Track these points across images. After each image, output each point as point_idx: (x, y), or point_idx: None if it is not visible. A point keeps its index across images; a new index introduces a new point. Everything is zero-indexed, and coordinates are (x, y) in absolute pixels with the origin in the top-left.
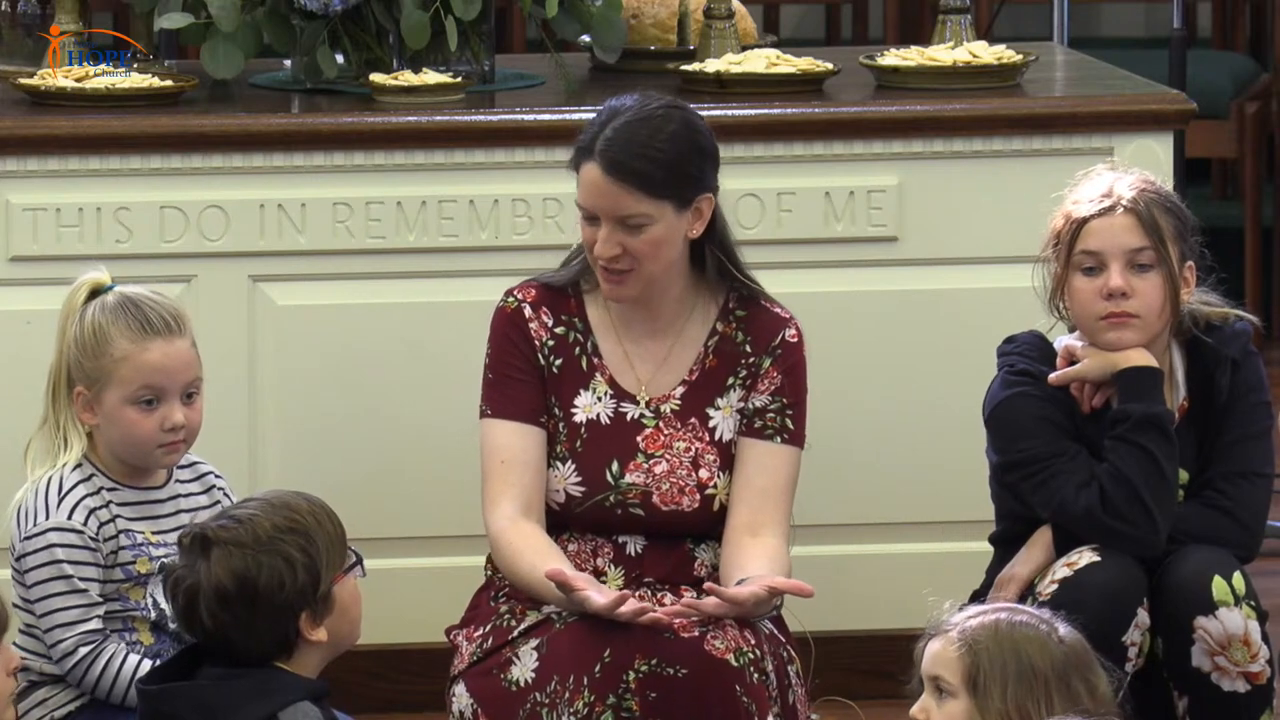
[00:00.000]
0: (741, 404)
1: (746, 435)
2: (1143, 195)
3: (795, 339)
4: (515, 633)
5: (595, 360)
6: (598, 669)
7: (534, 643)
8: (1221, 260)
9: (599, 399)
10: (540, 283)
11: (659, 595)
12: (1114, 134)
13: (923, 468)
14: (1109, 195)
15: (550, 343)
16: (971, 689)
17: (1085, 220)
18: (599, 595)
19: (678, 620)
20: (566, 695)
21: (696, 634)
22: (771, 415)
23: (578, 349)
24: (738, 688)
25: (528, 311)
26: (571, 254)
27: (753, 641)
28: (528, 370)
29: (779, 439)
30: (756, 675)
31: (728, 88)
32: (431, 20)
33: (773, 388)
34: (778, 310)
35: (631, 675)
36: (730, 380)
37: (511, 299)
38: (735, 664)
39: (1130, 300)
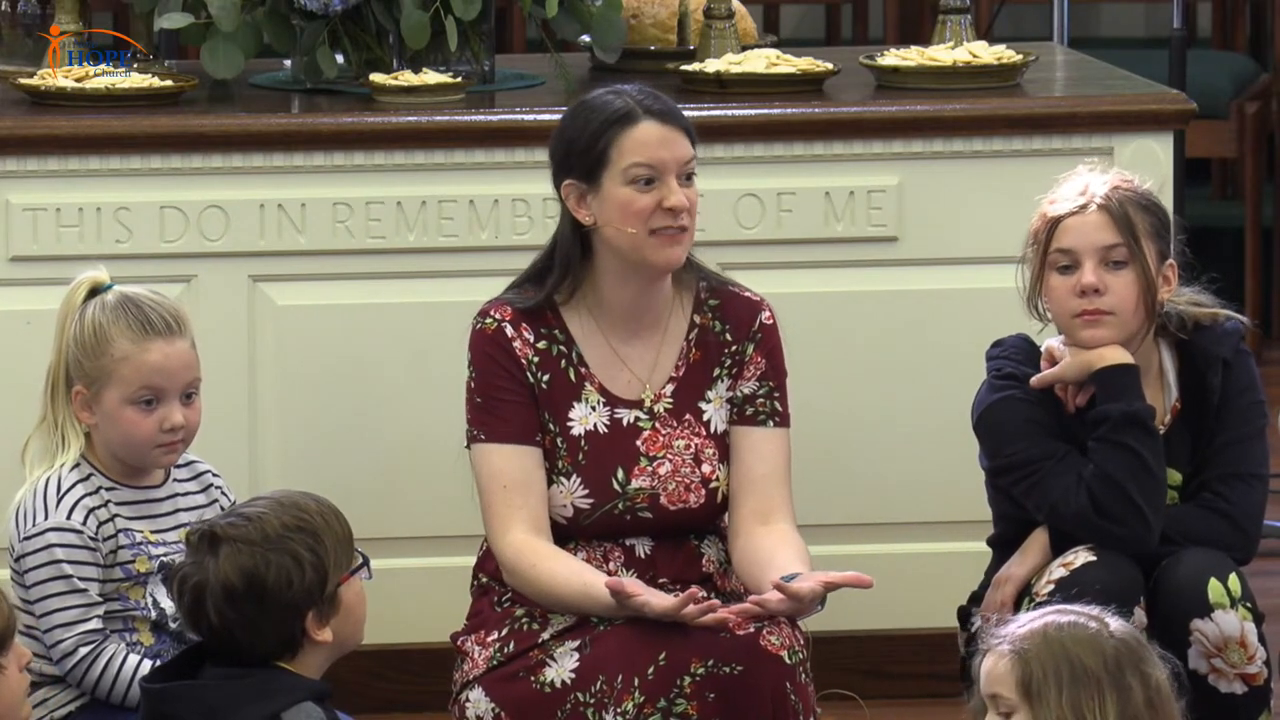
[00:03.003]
0: (730, 393)
1: (739, 424)
2: (1116, 193)
3: (771, 321)
4: (545, 635)
5: (582, 370)
6: (650, 671)
7: (573, 644)
8: (1221, 260)
9: (592, 409)
10: (512, 302)
11: (702, 596)
12: (1114, 134)
13: (922, 468)
14: (1083, 194)
15: (536, 359)
16: (1026, 696)
17: (1059, 219)
18: (658, 598)
19: (738, 619)
20: (614, 695)
21: (751, 630)
22: (761, 400)
23: (563, 361)
24: (788, 685)
25: (509, 330)
26: (527, 273)
27: (802, 641)
28: (517, 390)
29: (771, 423)
30: (804, 674)
31: (728, 88)
32: (431, 20)
33: (758, 373)
34: (748, 294)
35: (687, 679)
36: (716, 371)
37: (490, 319)
38: (789, 661)
39: (1104, 297)
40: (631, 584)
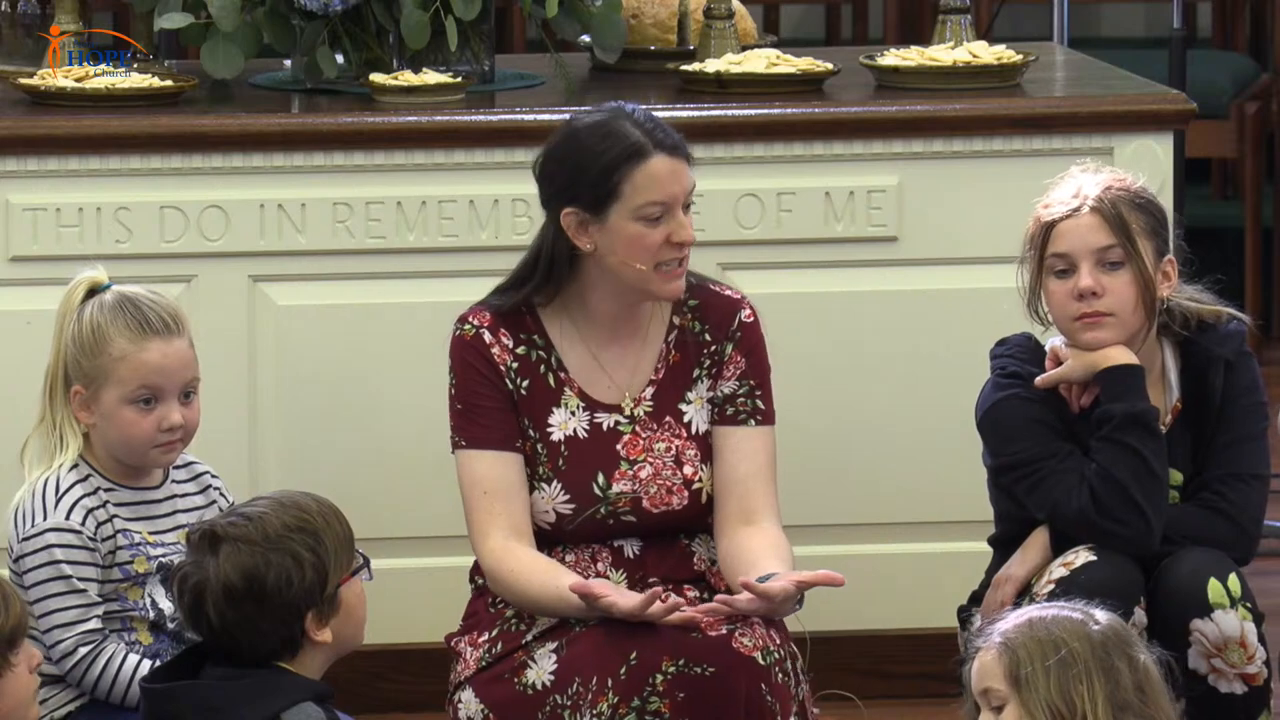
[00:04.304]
0: (711, 393)
1: (721, 424)
2: (1109, 193)
3: (751, 319)
4: (528, 636)
5: (562, 375)
6: (623, 671)
7: (551, 645)
8: (1221, 260)
9: (572, 414)
10: (491, 306)
11: (665, 596)
12: (1114, 134)
13: (922, 468)
14: (1076, 196)
15: (515, 365)
16: (1015, 685)
17: (1054, 223)
18: (624, 599)
19: (706, 618)
20: (589, 697)
21: (724, 631)
22: (742, 399)
23: (542, 366)
24: (763, 686)
25: (487, 336)
26: (509, 282)
27: (778, 640)
28: (496, 396)
29: (752, 421)
30: (780, 675)
31: (728, 88)
32: (431, 20)
33: (738, 372)
34: (729, 293)
35: (659, 677)
36: (696, 372)
37: (468, 326)
38: (762, 662)
39: (1102, 299)
40: (599, 585)
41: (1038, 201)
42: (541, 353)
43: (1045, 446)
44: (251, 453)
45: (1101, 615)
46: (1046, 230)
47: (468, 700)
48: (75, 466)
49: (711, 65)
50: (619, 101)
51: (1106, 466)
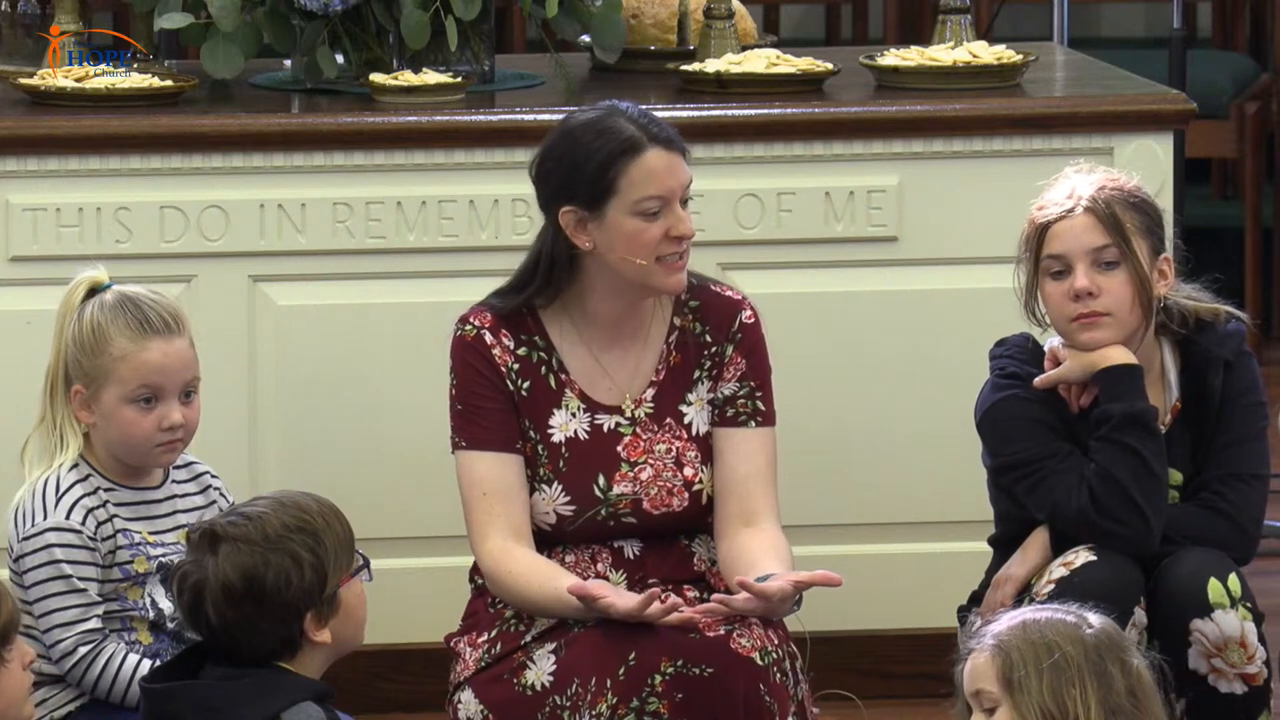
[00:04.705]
0: (711, 395)
1: (721, 425)
2: (1103, 193)
3: (752, 320)
4: (528, 637)
5: (563, 377)
6: (621, 672)
7: (550, 646)
8: (1221, 260)
9: (573, 415)
10: (493, 307)
11: (664, 596)
12: (1114, 134)
13: (922, 468)
14: (1070, 197)
15: (515, 366)
16: (1008, 688)
17: (1048, 224)
18: (622, 600)
19: (704, 619)
20: (588, 698)
21: (722, 632)
22: (742, 401)
23: (544, 368)
24: (761, 686)
25: (488, 338)
26: (510, 285)
27: (775, 641)
28: (497, 398)
29: (753, 423)
30: (779, 674)
31: (728, 88)
32: (431, 20)
33: (739, 374)
34: (730, 294)
35: (658, 678)
36: (696, 374)
37: (470, 326)
38: (760, 663)
39: (1099, 299)
40: (596, 586)
41: (1033, 203)
42: (542, 354)
43: (1045, 446)
44: (251, 453)
45: (1095, 619)
46: (1041, 232)
47: (467, 701)
48: (75, 466)
49: (711, 65)
50: (613, 100)
51: (1106, 466)
